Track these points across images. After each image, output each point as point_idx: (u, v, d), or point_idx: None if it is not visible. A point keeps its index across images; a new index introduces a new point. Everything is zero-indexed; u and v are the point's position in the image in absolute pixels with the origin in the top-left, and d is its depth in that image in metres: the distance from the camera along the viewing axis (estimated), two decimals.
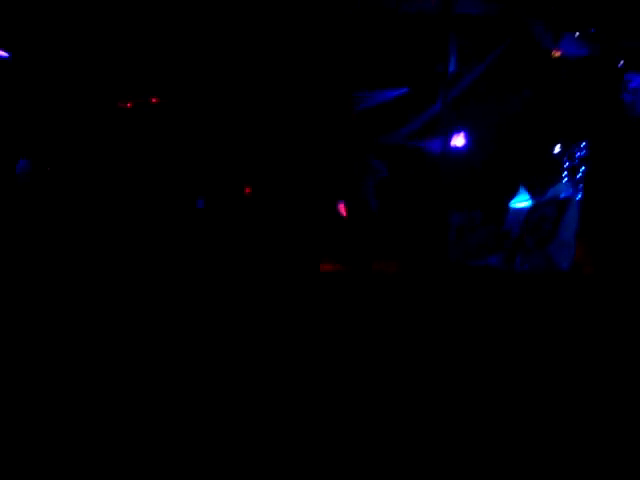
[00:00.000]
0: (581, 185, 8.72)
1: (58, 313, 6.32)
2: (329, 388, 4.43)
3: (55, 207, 9.80)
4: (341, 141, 11.21)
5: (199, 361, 4.98)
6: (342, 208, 9.90)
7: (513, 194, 9.22)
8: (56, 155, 10.39)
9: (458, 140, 9.95)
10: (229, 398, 4.07)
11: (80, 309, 6.51)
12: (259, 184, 11.01)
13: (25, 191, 9.99)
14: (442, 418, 3.96)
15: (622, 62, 9.22)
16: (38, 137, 10.36)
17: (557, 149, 9.24)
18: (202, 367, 4.82)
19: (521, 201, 9.09)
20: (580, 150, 9.03)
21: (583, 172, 8.78)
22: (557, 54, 9.93)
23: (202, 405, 3.88)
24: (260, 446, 3.29)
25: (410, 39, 10.88)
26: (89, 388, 3.99)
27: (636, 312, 6.78)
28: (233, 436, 3.39)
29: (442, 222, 9.52)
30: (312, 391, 4.34)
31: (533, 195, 9.03)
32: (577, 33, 9.69)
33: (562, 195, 8.71)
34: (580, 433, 3.77)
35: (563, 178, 9.03)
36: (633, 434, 3.73)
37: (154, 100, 10.64)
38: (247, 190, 10.91)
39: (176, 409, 3.78)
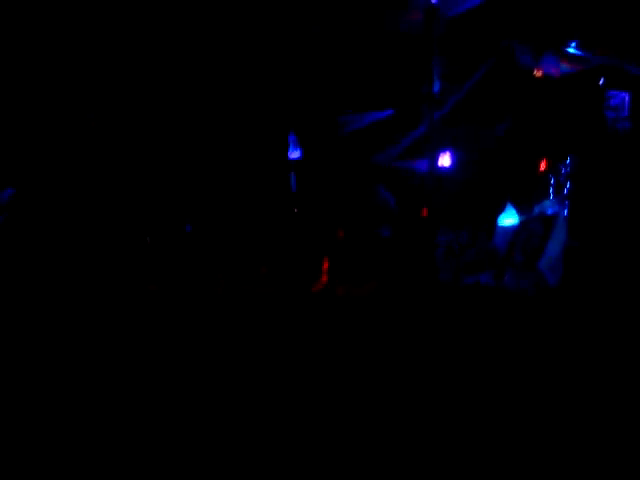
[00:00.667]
0: (567, 201, 8.80)
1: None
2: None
3: (40, 234, 9.78)
4: (332, 165, 11.29)
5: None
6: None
7: (500, 212, 9.29)
8: (40, 183, 10.38)
9: (444, 160, 10.04)
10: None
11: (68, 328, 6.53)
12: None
13: (9, 220, 9.99)
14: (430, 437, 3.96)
15: (603, 79, 9.35)
16: (22, 163, 10.36)
17: (542, 166, 9.34)
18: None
19: (508, 218, 9.16)
20: (565, 167, 9.13)
21: (568, 188, 8.87)
22: (539, 73, 10.08)
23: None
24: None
25: (393, 61, 11.02)
26: (85, 390, 3.96)
27: (624, 327, 6.84)
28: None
29: (430, 242, 9.57)
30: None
31: (520, 212, 9.11)
32: (558, 52, 9.86)
33: (549, 211, 8.79)
34: (569, 448, 3.79)
35: (549, 195, 9.12)
36: (621, 449, 3.75)
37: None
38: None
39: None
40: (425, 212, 9.48)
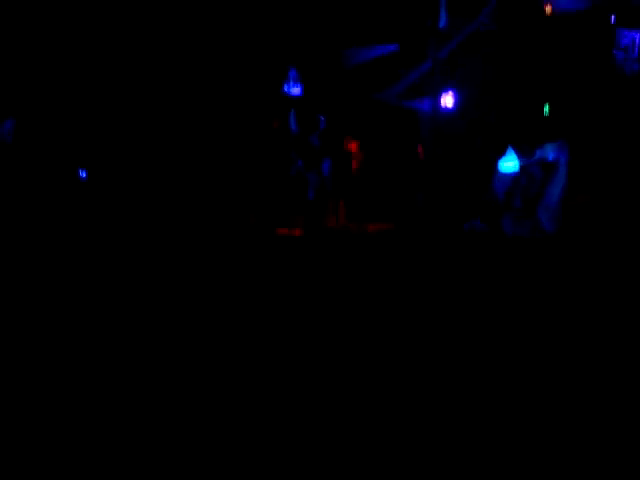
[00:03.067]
0: (568, 146, 8.61)
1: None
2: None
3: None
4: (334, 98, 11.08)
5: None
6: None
7: (501, 155, 9.12)
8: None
9: (447, 100, 9.80)
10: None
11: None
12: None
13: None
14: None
15: (614, 18, 9.00)
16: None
17: (546, 109, 9.11)
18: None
19: (509, 162, 8.99)
20: (570, 110, 8.90)
21: (572, 133, 8.67)
22: (549, 9, 9.72)
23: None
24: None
25: None
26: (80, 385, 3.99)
27: (620, 274, 6.84)
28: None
29: (430, 185, 9.47)
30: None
31: (521, 156, 8.93)
32: None
33: (550, 157, 8.61)
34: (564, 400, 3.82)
35: (552, 138, 8.91)
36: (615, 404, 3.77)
37: None
38: None
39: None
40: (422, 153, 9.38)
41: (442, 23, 10.46)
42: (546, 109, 9.02)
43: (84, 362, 4.38)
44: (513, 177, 8.74)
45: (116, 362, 4.40)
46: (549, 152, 8.64)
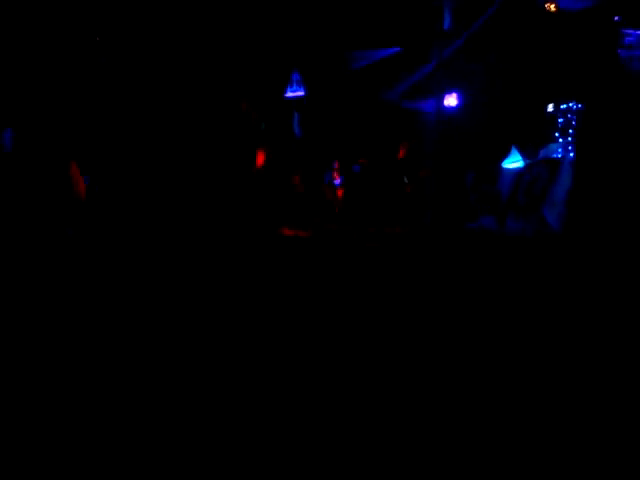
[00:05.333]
0: (573, 145, 8.57)
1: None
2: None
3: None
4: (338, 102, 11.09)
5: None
6: None
7: (505, 154, 9.08)
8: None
9: (451, 100, 9.78)
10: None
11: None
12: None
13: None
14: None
15: (618, 17, 8.97)
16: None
17: (550, 108, 9.07)
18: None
19: (513, 162, 8.95)
20: (573, 109, 8.86)
21: (576, 131, 8.62)
22: (552, 8, 9.70)
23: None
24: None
25: None
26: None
27: (626, 272, 6.75)
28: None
29: (436, 185, 9.43)
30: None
31: (525, 155, 8.89)
32: None
33: (554, 155, 8.56)
34: (568, 398, 3.77)
35: (556, 138, 8.87)
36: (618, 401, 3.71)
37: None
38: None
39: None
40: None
41: (446, 25, 10.48)
42: (550, 108, 8.98)
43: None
44: (516, 175, 8.70)
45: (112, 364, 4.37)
46: (553, 151, 8.61)
